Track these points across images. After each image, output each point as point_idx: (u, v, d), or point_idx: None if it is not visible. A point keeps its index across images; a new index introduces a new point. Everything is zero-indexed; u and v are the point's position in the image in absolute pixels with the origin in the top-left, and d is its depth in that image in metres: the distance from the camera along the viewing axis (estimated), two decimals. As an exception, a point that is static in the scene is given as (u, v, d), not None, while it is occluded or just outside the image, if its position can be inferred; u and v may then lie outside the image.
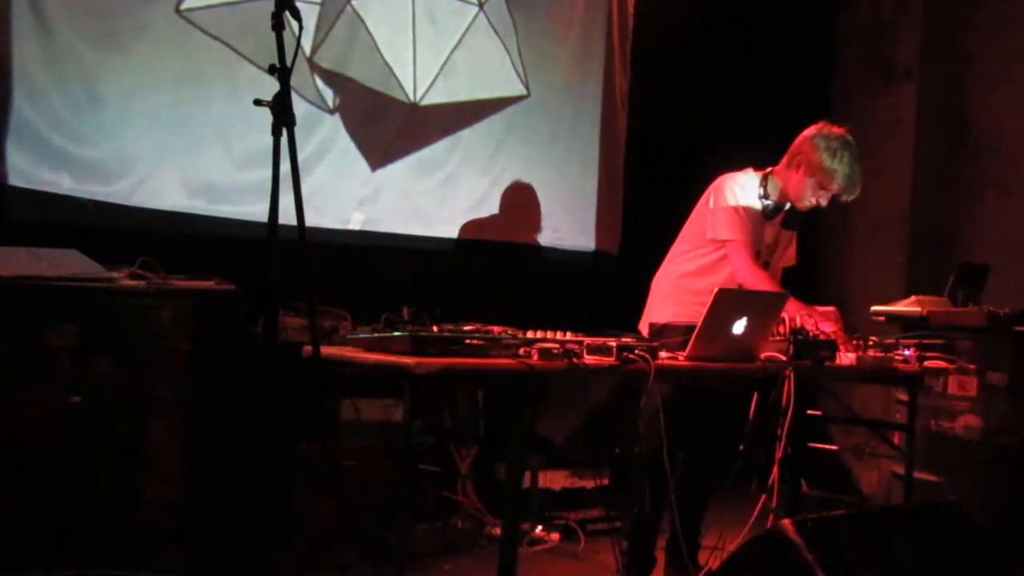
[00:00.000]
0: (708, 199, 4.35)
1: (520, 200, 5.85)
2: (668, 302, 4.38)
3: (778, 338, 3.89)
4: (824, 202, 4.32)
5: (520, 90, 5.91)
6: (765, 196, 4.33)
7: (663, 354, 3.57)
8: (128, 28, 4.56)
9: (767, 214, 4.34)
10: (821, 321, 4.09)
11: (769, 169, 4.38)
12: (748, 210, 4.29)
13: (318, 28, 5.12)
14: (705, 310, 3.61)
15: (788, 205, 4.35)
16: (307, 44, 5.05)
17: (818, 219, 6.89)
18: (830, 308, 4.25)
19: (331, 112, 5.21)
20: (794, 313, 3.99)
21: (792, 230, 4.46)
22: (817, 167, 4.22)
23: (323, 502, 4.53)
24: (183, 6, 4.71)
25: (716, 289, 3.63)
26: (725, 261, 4.31)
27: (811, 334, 3.94)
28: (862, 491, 6.30)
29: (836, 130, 4.28)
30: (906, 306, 5.24)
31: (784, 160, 4.35)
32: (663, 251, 4.54)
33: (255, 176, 4.77)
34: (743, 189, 4.31)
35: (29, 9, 4.30)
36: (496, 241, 5.81)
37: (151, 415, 4.00)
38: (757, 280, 4.17)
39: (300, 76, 4.94)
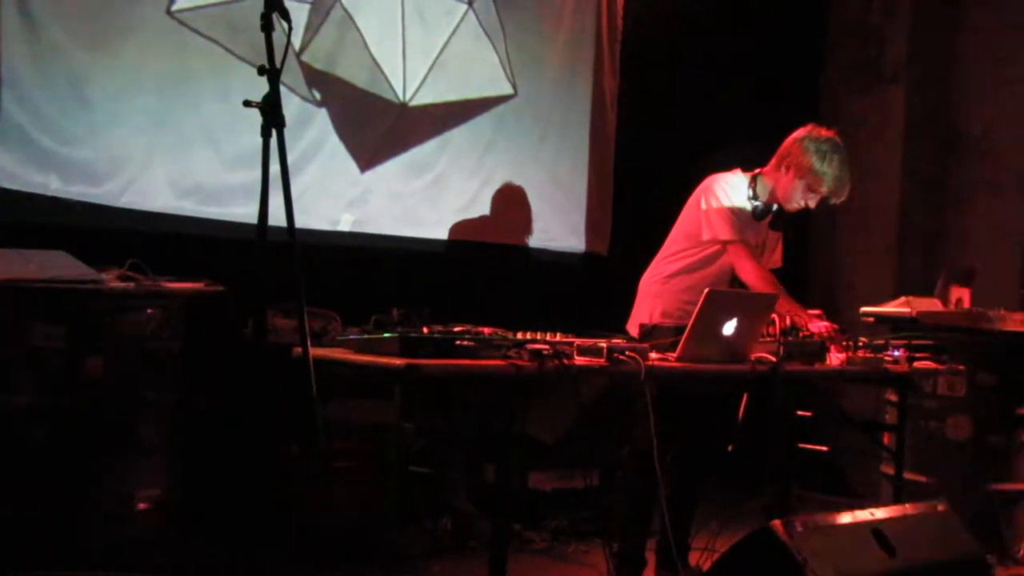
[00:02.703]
0: (699, 200, 4.35)
1: (510, 201, 5.84)
2: (657, 302, 4.38)
3: (768, 339, 3.89)
4: (813, 204, 4.34)
5: (508, 90, 5.90)
6: (754, 197, 4.34)
7: (653, 355, 3.57)
8: (116, 28, 4.54)
9: (756, 215, 4.35)
10: (812, 321, 4.10)
11: (757, 170, 4.39)
12: (740, 211, 4.30)
13: (308, 27, 5.11)
14: (695, 311, 3.61)
15: (776, 206, 4.36)
16: (296, 43, 5.04)
17: (807, 220, 6.91)
18: (815, 311, 4.26)
19: (319, 105, 5.19)
20: (785, 311, 4.00)
21: (778, 231, 4.47)
22: (807, 169, 4.22)
23: (313, 504, 4.52)
24: (174, 7, 4.69)
25: (706, 290, 3.64)
26: (713, 261, 4.32)
27: (801, 334, 3.95)
28: (852, 492, 6.31)
29: (826, 132, 4.29)
30: (895, 307, 5.25)
31: (773, 161, 4.35)
32: (653, 252, 4.54)
33: (244, 177, 4.76)
34: (733, 189, 4.32)
35: (16, 9, 4.28)
36: (486, 242, 5.81)
37: (140, 416, 3.99)
38: (763, 280, 4.17)
39: (290, 74, 4.93)
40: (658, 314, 4.29)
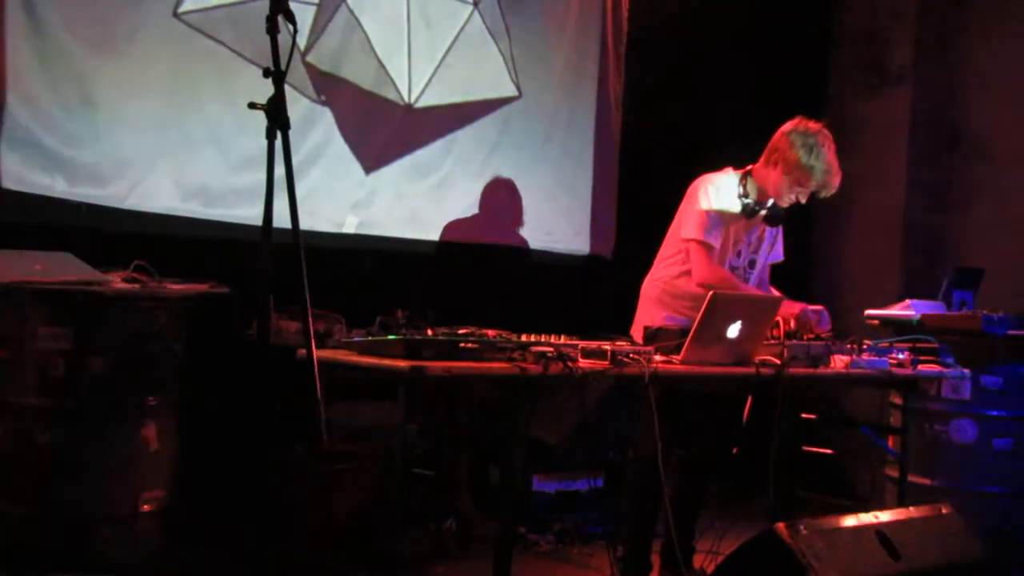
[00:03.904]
0: (686, 201, 4.35)
1: (497, 193, 5.80)
2: (659, 306, 4.38)
3: (772, 341, 3.89)
4: (803, 198, 4.32)
5: (513, 91, 5.90)
6: (744, 195, 4.31)
7: (658, 357, 3.58)
8: (122, 31, 4.54)
9: (747, 213, 4.32)
10: (816, 323, 4.09)
11: (748, 168, 4.37)
12: (722, 212, 4.27)
13: (313, 29, 5.11)
14: (699, 314, 3.61)
15: (770, 202, 4.33)
16: (302, 44, 5.03)
17: (811, 221, 6.90)
18: (819, 307, 4.25)
19: (324, 106, 5.19)
20: (788, 314, 3.99)
21: (775, 226, 4.44)
22: (794, 164, 4.21)
23: (316, 506, 4.52)
24: (181, 9, 4.70)
25: (711, 293, 3.64)
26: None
27: (805, 337, 3.95)
28: (856, 495, 6.31)
29: (813, 126, 4.26)
30: (900, 310, 5.25)
31: (762, 158, 4.33)
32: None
33: (249, 179, 4.76)
34: (719, 190, 4.29)
35: (23, 11, 4.28)
36: (490, 244, 5.80)
37: (144, 418, 4.00)
38: (713, 279, 4.13)
39: (295, 76, 4.93)
40: (661, 318, 4.29)
